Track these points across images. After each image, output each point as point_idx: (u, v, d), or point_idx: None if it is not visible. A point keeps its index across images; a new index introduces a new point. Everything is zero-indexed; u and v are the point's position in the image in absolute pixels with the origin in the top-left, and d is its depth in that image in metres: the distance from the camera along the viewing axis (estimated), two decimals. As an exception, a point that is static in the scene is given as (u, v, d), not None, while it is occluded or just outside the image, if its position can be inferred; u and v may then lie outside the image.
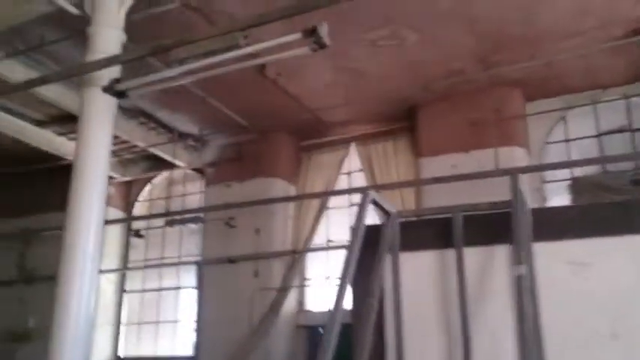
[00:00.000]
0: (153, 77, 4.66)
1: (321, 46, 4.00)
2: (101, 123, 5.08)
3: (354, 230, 3.85)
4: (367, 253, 3.86)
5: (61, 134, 9.76)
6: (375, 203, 4.32)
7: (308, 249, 9.35)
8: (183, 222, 9.71)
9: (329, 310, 3.24)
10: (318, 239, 9.51)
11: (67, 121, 9.31)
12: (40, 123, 9.52)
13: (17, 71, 7.34)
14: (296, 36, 4.05)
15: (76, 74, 4.97)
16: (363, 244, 3.71)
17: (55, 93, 8.08)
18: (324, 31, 3.92)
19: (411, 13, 6.65)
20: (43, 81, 5.38)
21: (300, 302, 9.48)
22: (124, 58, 4.73)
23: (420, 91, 8.33)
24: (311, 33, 3.93)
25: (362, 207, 4.07)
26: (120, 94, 4.79)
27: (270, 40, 4.24)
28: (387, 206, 4.53)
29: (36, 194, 11.16)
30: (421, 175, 8.26)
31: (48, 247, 10.78)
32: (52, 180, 10.62)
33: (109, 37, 5.27)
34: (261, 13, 4.12)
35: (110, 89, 4.71)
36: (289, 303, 9.19)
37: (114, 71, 5.04)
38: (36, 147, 9.64)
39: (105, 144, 5.10)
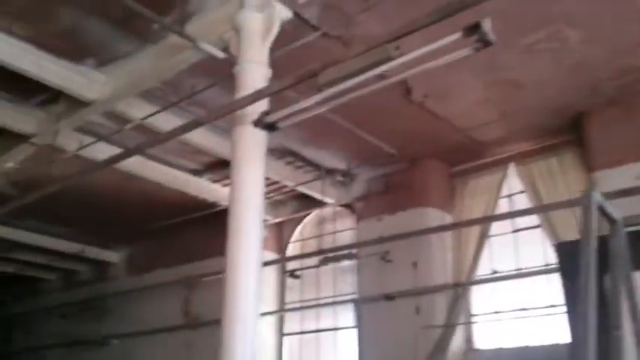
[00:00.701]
0: (302, 104, 4.46)
1: (486, 43, 3.51)
2: (253, 160, 4.97)
3: (584, 243, 3.12)
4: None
5: (215, 181, 10.10)
6: (601, 209, 3.51)
7: (473, 281, 8.60)
8: (337, 259, 9.47)
9: (569, 345, 2.57)
10: (482, 270, 8.74)
11: (221, 168, 9.62)
12: (195, 172, 9.92)
13: (172, 123, 7.65)
14: (455, 36, 3.60)
15: (226, 112, 4.93)
16: (575, 261, 3.01)
17: (207, 140, 8.33)
18: (487, 26, 3.43)
19: (572, 8, 5.91)
20: (196, 124, 5.44)
21: (469, 340, 8.68)
22: (272, 90, 4.59)
23: (587, 96, 7.42)
24: (473, 30, 3.46)
25: (588, 213, 3.31)
26: (270, 127, 4.65)
27: (424, 47, 3.83)
28: (611, 211, 3.70)
29: (197, 241, 11.63)
30: (599, 190, 7.24)
31: (211, 292, 11.15)
32: (211, 226, 11.00)
33: (254, 73, 5.22)
34: (413, 19, 3.74)
35: (260, 122, 4.59)
36: (456, 341, 8.46)
37: (262, 106, 4.95)
38: (194, 195, 10.04)
39: (258, 181, 4.97)
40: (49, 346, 14.06)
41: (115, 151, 7.80)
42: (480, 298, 8.81)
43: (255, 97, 4.62)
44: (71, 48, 6.71)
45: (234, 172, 4.94)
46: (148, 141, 6.20)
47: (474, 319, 8.78)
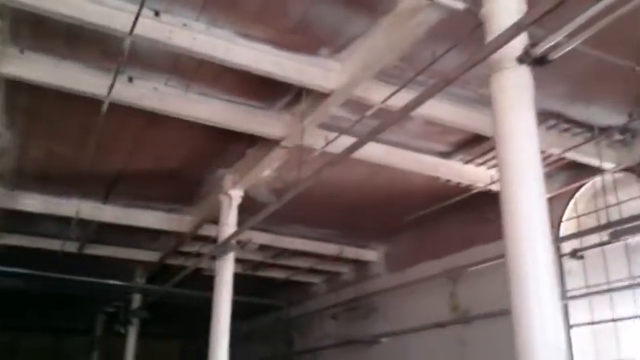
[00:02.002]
0: (577, 21, 3.44)
1: None
2: (521, 109, 4.11)
3: None
4: None
5: (467, 162, 9.26)
6: None
7: None
8: (631, 232, 7.80)
9: None
10: None
11: (471, 146, 8.78)
12: (444, 154, 9.21)
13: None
14: None
15: (481, 59, 4.11)
16: None
17: (454, 115, 7.58)
18: None
19: None
20: (443, 84, 4.71)
21: None
22: (536, 15, 3.61)
23: None
24: None
25: None
26: (540, 61, 3.71)
27: None
28: None
29: (455, 230, 10.95)
30: None
31: (478, 284, 10.30)
32: (468, 212, 10.20)
33: (506, 9, 4.33)
34: None
35: (527, 57, 3.69)
36: None
37: (521, 44, 4.04)
38: (446, 180, 9.34)
39: (530, 132, 4.08)
40: (323, 347, 14.62)
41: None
42: None
43: (515, 30, 3.73)
44: (305, 41, 6.59)
45: (498, 126, 4.14)
46: (387, 120, 5.68)
47: None
